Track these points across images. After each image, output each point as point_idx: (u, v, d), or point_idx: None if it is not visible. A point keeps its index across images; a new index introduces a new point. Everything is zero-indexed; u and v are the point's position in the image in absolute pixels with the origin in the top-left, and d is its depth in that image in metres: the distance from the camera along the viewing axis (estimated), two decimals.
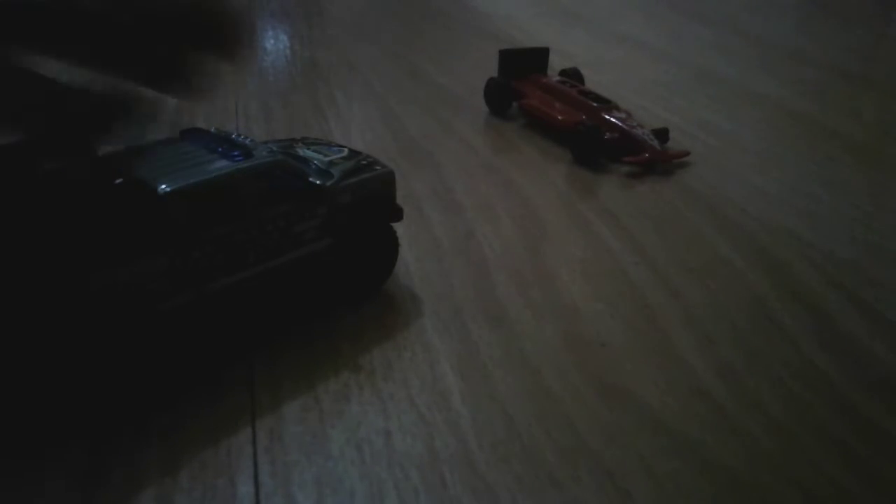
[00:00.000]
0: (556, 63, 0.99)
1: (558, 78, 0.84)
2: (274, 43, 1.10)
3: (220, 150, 0.42)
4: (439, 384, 0.41)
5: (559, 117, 0.76)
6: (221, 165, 0.40)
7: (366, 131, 0.76)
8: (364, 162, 0.48)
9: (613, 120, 0.73)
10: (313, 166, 0.46)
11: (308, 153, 0.48)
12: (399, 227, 0.52)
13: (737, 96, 0.89)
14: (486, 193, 0.63)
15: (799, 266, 0.53)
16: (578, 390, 0.41)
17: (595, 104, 0.75)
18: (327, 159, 0.47)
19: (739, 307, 0.49)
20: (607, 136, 0.71)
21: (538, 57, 0.85)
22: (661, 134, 0.74)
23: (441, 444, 0.37)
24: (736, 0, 1.38)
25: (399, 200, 0.50)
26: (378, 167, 0.48)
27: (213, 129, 0.45)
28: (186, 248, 0.38)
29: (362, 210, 0.46)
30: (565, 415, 0.39)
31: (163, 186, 0.37)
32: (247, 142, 0.43)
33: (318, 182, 0.44)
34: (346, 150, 0.49)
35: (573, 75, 0.86)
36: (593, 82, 0.92)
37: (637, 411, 0.40)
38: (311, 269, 0.44)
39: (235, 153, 0.41)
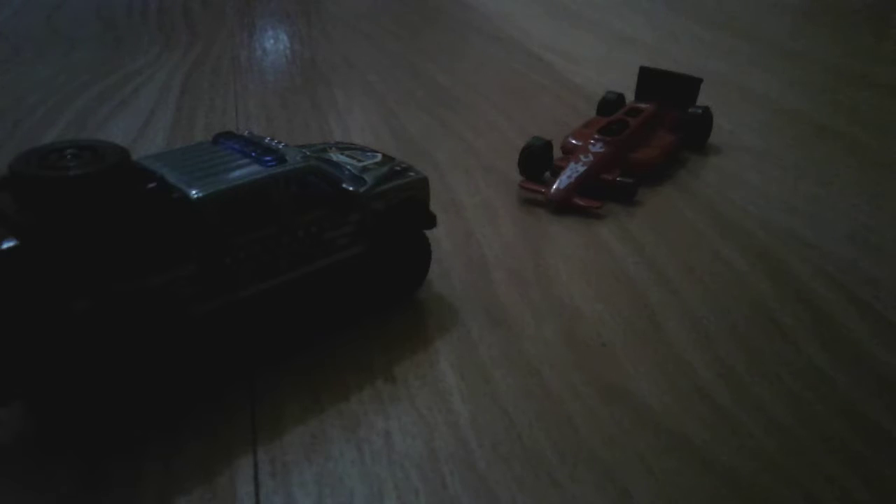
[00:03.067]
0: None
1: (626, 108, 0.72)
2: (274, 43, 1.10)
3: (252, 154, 0.41)
4: (439, 384, 0.41)
5: (571, 140, 0.68)
6: (254, 170, 0.40)
7: (366, 131, 0.76)
8: (398, 168, 0.47)
9: (590, 151, 0.64)
10: (346, 172, 0.46)
11: (341, 158, 0.47)
12: None
13: (737, 96, 0.89)
14: (485, 193, 0.63)
15: (799, 266, 0.53)
16: (578, 390, 0.41)
17: (600, 135, 0.66)
18: (360, 164, 0.47)
19: (739, 307, 0.49)
20: (556, 161, 0.65)
21: (686, 86, 0.72)
22: (624, 187, 0.62)
23: (441, 444, 0.37)
24: (735, 0, 1.38)
25: None
26: (412, 173, 0.47)
27: (246, 133, 0.45)
28: (218, 254, 0.38)
29: (395, 217, 0.46)
30: (565, 415, 0.39)
31: (195, 192, 0.37)
32: (280, 146, 0.43)
33: (351, 188, 0.44)
34: (379, 155, 0.49)
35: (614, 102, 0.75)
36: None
37: (637, 411, 0.40)
38: (342, 277, 0.44)
39: (268, 158, 0.41)
